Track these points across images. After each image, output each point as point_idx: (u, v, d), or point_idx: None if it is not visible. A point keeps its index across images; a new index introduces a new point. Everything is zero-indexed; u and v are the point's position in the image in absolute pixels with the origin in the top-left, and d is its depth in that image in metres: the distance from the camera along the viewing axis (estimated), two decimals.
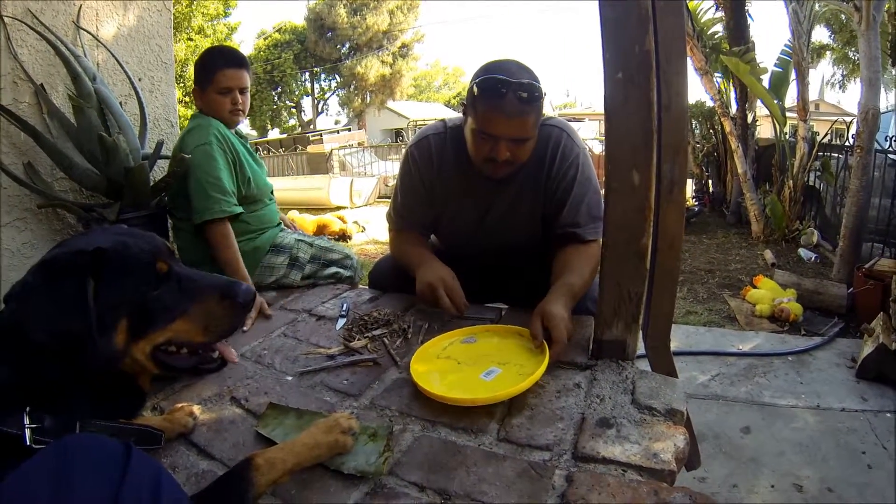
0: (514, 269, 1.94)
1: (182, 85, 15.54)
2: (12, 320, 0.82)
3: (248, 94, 2.15)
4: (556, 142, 1.70)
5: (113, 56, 2.24)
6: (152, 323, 0.89)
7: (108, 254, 0.86)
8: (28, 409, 0.78)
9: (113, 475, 0.64)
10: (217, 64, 2.03)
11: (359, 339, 1.56)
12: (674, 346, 1.37)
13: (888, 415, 2.36)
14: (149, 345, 0.90)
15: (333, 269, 2.23)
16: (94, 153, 1.99)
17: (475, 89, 1.52)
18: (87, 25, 2.19)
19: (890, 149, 4.50)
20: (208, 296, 0.94)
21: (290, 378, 1.40)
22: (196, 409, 1.21)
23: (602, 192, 1.43)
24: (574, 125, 2.33)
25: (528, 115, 1.52)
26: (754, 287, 3.98)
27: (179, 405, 1.21)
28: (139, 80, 2.40)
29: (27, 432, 0.76)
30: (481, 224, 1.82)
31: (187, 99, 16.43)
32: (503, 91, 1.47)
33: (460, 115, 1.74)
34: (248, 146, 2.23)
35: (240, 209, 2.01)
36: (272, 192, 2.28)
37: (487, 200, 1.78)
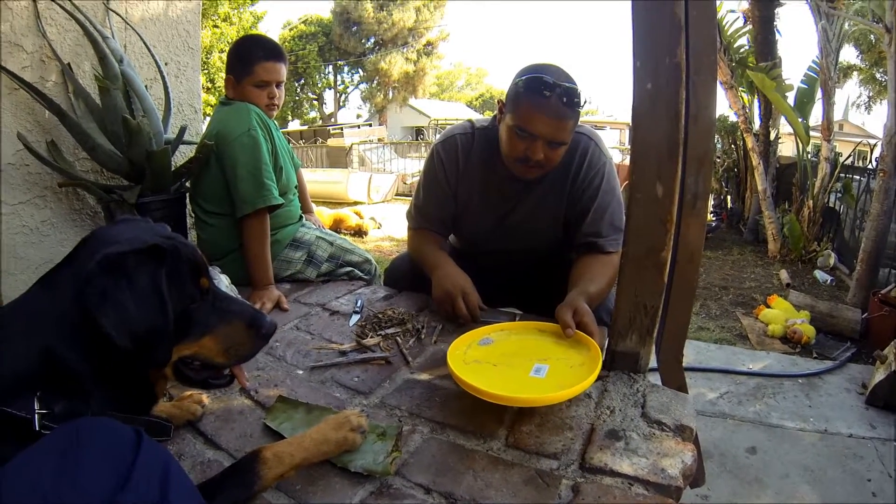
0: (530, 273, 1.93)
1: (206, 72, 15.63)
2: (49, 307, 0.81)
3: (284, 88, 2.11)
4: (584, 149, 1.71)
5: (141, 39, 2.24)
6: (185, 335, 0.89)
7: (166, 254, 0.85)
8: (38, 394, 0.76)
9: (124, 458, 0.64)
10: (256, 56, 1.99)
11: (372, 337, 1.56)
12: (684, 361, 1.36)
13: None
14: (176, 355, 0.90)
15: (349, 269, 2.19)
16: (118, 135, 2.00)
17: (520, 86, 1.53)
18: (117, 7, 2.20)
19: None
20: (237, 321, 0.95)
21: (300, 372, 1.40)
22: (205, 397, 1.21)
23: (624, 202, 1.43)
24: None
25: (569, 120, 1.53)
26: (768, 306, 3.94)
27: (188, 392, 1.21)
28: (165, 64, 2.41)
29: (36, 417, 0.74)
30: (502, 225, 1.82)
31: (209, 85, 16.53)
32: (548, 92, 1.48)
33: (483, 115, 1.74)
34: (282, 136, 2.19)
35: (282, 200, 1.96)
36: (296, 188, 2.23)
37: (511, 202, 1.78)
